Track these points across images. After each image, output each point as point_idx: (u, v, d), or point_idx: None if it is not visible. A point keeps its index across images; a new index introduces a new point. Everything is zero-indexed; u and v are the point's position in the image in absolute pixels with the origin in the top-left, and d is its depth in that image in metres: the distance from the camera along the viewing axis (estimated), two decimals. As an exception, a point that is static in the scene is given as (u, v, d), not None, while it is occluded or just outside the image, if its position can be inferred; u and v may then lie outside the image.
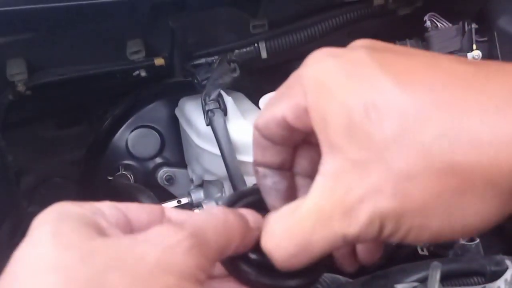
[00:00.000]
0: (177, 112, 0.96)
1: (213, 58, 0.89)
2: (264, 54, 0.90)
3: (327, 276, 0.76)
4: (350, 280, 0.75)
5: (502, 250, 0.78)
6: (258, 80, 0.99)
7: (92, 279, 0.27)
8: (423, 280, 0.66)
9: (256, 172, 0.38)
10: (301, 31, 0.89)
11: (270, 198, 0.38)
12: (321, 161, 0.31)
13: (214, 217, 0.32)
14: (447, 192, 0.28)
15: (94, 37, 0.82)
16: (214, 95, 0.83)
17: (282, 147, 0.36)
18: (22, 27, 0.76)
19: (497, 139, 0.27)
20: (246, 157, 0.80)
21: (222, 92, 0.84)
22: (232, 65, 0.89)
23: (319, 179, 0.31)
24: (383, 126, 0.29)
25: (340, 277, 0.76)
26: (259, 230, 0.34)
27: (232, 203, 0.37)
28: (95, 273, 0.27)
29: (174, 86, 0.99)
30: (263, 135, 0.36)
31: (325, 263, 0.37)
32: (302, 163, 0.38)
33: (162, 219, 0.35)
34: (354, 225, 0.30)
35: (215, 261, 0.31)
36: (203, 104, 0.83)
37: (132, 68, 0.87)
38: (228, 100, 0.84)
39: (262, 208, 0.37)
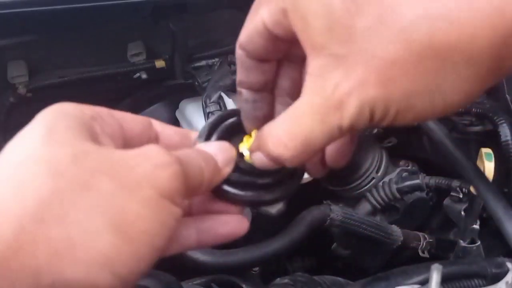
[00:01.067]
0: (177, 114, 0.96)
1: (213, 60, 0.90)
2: (264, 56, 0.90)
3: (327, 278, 0.76)
4: (351, 282, 0.75)
5: (503, 253, 0.78)
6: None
7: (80, 177, 0.28)
8: (424, 282, 0.66)
9: (240, 94, 0.40)
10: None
11: (248, 123, 0.40)
12: (307, 62, 0.32)
13: (194, 158, 0.35)
14: (429, 73, 0.29)
15: (95, 39, 0.82)
16: (215, 97, 0.83)
17: (266, 66, 0.38)
18: (23, 30, 0.76)
19: (475, 17, 0.28)
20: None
21: (223, 94, 0.84)
22: (233, 67, 0.89)
23: (308, 79, 0.32)
24: (362, 16, 0.29)
25: (341, 279, 0.76)
26: (229, 167, 0.37)
27: (212, 129, 0.40)
28: (84, 173, 0.29)
29: (174, 88, 0.99)
30: (247, 54, 0.37)
31: (298, 175, 0.41)
32: (284, 83, 0.40)
33: (150, 131, 0.38)
34: (346, 116, 0.31)
35: (190, 195, 0.34)
36: (204, 106, 0.83)
37: (133, 70, 0.87)
38: (229, 102, 0.84)
39: (240, 130, 0.40)
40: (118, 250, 0.28)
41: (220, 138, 0.39)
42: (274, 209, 0.41)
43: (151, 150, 0.31)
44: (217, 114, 0.41)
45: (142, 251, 0.29)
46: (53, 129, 0.30)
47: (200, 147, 0.38)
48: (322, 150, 0.41)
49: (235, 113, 0.41)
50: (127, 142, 0.36)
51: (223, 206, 0.39)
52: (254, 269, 0.83)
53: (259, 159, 0.36)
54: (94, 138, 0.32)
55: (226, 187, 0.38)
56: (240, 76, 0.39)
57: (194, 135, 0.41)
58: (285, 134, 0.34)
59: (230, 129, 0.40)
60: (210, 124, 0.40)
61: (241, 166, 0.38)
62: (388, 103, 0.30)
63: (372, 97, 0.30)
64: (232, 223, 0.38)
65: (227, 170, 0.37)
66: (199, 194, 0.36)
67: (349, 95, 0.30)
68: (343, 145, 0.42)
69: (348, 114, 0.31)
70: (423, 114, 0.31)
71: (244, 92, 0.39)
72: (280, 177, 0.39)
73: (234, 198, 0.38)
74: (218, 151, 0.37)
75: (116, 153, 0.31)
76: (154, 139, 0.38)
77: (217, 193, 0.38)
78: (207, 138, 0.39)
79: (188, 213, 0.39)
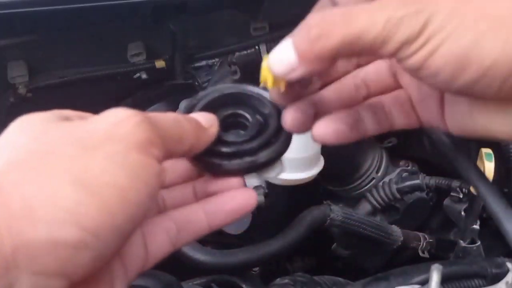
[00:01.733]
0: (178, 114, 0.95)
1: (214, 60, 0.90)
2: (264, 57, 0.90)
3: (327, 278, 0.76)
4: (351, 282, 0.75)
5: (503, 253, 0.78)
6: (259, 82, 0.99)
7: (40, 148, 0.29)
8: (424, 282, 0.66)
9: None
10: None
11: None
12: None
13: (165, 115, 0.34)
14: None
15: (95, 39, 0.82)
16: (215, 97, 0.83)
17: None
18: (23, 30, 0.76)
19: None
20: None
21: (223, 95, 0.84)
22: (233, 67, 0.89)
23: None
24: None
25: (341, 279, 0.77)
26: (214, 127, 0.37)
27: (190, 107, 0.40)
28: (46, 146, 0.29)
29: (174, 88, 0.99)
30: None
31: (285, 133, 0.39)
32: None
33: None
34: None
35: (169, 149, 0.33)
36: (204, 106, 0.83)
37: (133, 70, 0.87)
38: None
39: (219, 106, 0.40)
40: (82, 204, 0.27)
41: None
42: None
43: (110, 112, 0.31)
44: (193, 97, 0.42)
45: (110, 203, 0.28)
46: (24, 122, 0.32)
47: None
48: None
49: (215, 90, 0.41)
50: None
51: (224, 184, 0.38)
52: (254, 269, 0.83)
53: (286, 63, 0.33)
54: (66, 118, 0.32)
55: (218, 161, 0.38)
56: None
57: None
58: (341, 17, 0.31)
59: (210, 105, 0.40)
60: (186, 107, 0.40)
61: (225, 138, 0.38)
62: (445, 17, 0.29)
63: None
64: (238, 196, 0.38)
65: (213, 130, 0.37)
66: (189, 152, 0.35)
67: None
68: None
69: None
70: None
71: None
72: (266, 138, 0.39)
73: (230, 169, 0.38)
74: (199, 116, 0.37)
75: (77, 123, 0.31)
76: None
77: (211, 168, 0.38)
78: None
79: (193, 199, 0.39)
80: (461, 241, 0.85)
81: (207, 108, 0.39)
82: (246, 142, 0.39)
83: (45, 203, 0.27)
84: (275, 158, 0.39)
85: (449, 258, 0.90)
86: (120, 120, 0.31)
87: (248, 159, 0.38)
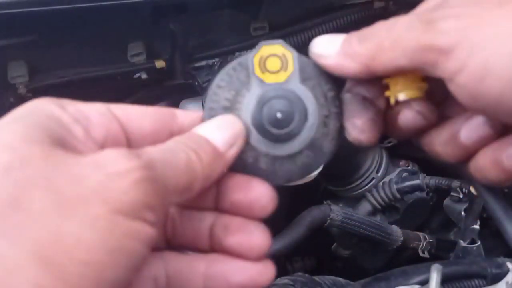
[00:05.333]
0: (178, 114, 0.95)
1: (214, 60, 0.89)
2: (265, 57, 0.90)
3: (327, 278, 0.76)
4: (351, 282, 0.75)
5: (503, 253, 0.78)
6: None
7: (10, 191, 0.23)
8: (424, 283, 0.66)
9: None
10: (302, 33, 0.89)
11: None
12: None
13: (176, 156, 0.28)
14: None
15: (95, 39, 0.82)
16: (215, 97, 0.83)
17: None
18: (23, 30, 0.76)
19: None
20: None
21: (223, 95, 0.84)
22: (233, 67, 0.89)
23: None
24: None
25: (341, 279, 0.76)
26: (235, 148, 0.31)
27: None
28: (15, 186, 0.23)
29: (175, 88, 0.99)
30: None
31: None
32: None
33: (171, 126, 0.31)
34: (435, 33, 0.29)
35: (170, 202, 0.28)
36: (204, 106, 0.83)
37: (133, 70, 0.87)
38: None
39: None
40: None
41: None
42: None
43: (107, 155, 0.25)
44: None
45: (80, 286, 0.22)
46: (5, 128, 0.26)
47: (194, 130, 0.31)
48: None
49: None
50: (136, 144, 0.30)
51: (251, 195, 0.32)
52: (254, 269, 0.83)
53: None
54: (63, 143, 0.26)
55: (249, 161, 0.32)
56: None
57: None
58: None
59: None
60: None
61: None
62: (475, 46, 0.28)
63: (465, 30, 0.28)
64: (251, 268, 0.31)
65: (231, 152, 0.30)
66: (196, 191, 0.29)
67: (446, 18, 0.29)
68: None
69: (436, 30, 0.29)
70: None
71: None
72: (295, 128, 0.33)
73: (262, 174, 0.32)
74: (217, 131, 0.30)
75: (65, 161, 0.24)
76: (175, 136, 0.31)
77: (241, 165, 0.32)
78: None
79: (206, 232, 0.32)
80: (461, 241, 0.85)
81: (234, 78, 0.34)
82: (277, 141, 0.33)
83: (3, 280, 0.21)
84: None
85: (449, 258, 0.90)
86: (115, 173, 0.24)
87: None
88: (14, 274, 0.21)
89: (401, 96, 0.33)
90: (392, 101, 0.33)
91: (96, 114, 0.29)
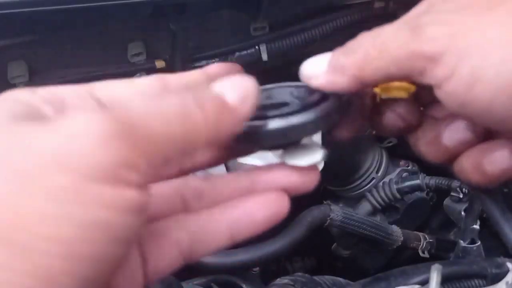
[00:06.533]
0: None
1: (214, 60, 0.89)
2: (265, 57, 0.90)
3: (327, 278, 0.76)
4: (351, 282, 0.75)
5: (503, 253, 0.78)
6: (259, 82, 0.99)
7: None
8: (424, 283, 0.66)
9: None
10: (302, 33, 0.89)
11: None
12: None
13: (164, 105, 0.23)
14: None
15: (95, 39, 0.82)
16: (215, 97, 0.83)
17: None
18: (23, 30, 0.76)
19: None
20: (246, 159, 0.80)
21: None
22: (233, 67, 0.89)
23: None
24: None
25: (341, 279, 0.76)
26: (248, 102, 0.26)
27: None
28: None
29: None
30: None
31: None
32: None
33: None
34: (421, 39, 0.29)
35: (166, 157, 0.23)
36: (204, 106, 0.83)
37: (133, 70, 0.87)
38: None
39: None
40: (7, 270, 0.19)
41: None
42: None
43: (67, 116, 0.21)
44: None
45: (50, 266, 0.20)
46: None
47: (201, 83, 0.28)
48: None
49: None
50: None
51: (260, 182, 0.30)
52: (254, 269, 0.83)
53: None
54: (36, 116, 0.24)
55: (257, 122, 0.29)
56: None
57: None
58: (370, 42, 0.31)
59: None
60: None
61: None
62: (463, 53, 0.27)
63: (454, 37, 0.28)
64: (272, 200, 0.29)
65: (245, 107, 0.26)
66: (201, 147, 0.25)
67: (431, 24, 0.29)
68: None
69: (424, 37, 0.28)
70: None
71: None
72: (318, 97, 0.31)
73: (271, 132, 0.29)
74: (228, 86, 0.26)
75: (22, 134, 0.21)
76: None
77: (247, 136, 0.29)
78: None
79: (212, 202, 0.30)
80: (461, 241, 0.85)
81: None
82: (289, 103, 0.31)
83: None
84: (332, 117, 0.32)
85: (449, 258, 0.90)
86: (80, 133, 0.21)
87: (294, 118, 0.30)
88: None
89: (384, 95, 0.34)
90: (378, 98, 0.34)
91: (73, 96, 0.27)
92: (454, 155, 0.33)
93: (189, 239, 0.29)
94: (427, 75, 0.29)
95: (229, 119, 0.26)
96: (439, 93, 0.29)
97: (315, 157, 0.33)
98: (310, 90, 0.33)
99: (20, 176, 0.20)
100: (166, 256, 0.28)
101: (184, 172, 0.31)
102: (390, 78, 0.31)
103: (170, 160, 0.23)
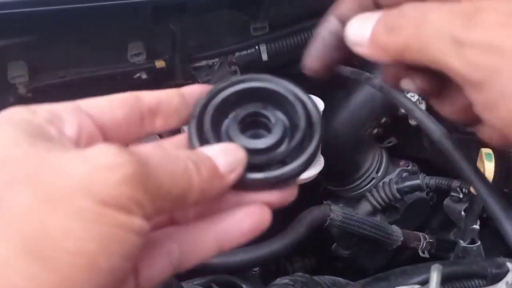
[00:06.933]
0: (178, 114, 0.95)
1: (214, 60, 0.89)
2: (264, 57, 0.90)
3: (327, 278, 0.76)
4: (351, 282, 0.75)
5: (503, 253, 0.78)
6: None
7: None
8: (424, 283, 0.66)
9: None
10: (302, 33, 0.89)
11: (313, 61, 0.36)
12: None
13: (173, 162, 0.27)
14: None
15: (95, 39, 0.82)
16: (215, 97, 0.83)
17: None
18: (23, 30, 0.76)
19: None
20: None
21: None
22: (233, 67, 0.89)
23: None
24: None
25: (341, 279, 0.76)
26: (236, 172, 0.30)
27: (203, 106, 0.33)
28: None
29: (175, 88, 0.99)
30: None
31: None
32: None
33: (140, 108, 0.31)
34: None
35: (163, 207, 0.27)
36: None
37: (133, 70, 0.87)
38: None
39: (235, 103, 0.33)
40: (36, 280, 0.22)
41: (218, 112, 0.33)
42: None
43: (97, 150, 0.25)
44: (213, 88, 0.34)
45: (73, 275, 0.22)
46: None
47: (200, 149, 0.31)
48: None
49: (231, 83, 0.34)
50: (112, 134, 0.30)
51: (245, 198, 0.32)
52: (254, 269, 0.83)
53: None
54: (41, 142, 0.26)
55: (251, 176, 0.31)
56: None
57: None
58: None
59: (231, 100, 0.33)
60: (203, 100, 0.33)
61: (247, 144, 0.31)
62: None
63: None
64: (255, 213, 0.31)
65: (232, 176, 0.30)
66: (190, 204, 0.29)
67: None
68: None
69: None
70: None
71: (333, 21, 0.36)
72: (297, 141, 0.32)
73: (257, 182, 0.31)
74: (221, 155, 0.30)
75: (49, 157, 0.24)
76: (147, 120, 0.31)
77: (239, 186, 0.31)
78: (200, 117, 0.32)
79: (200, 215, 0.32)
80: (461, 241, 0.85)
81: (222, 107, 0.33)
82: (274, 148, 0.32)
83: None
84: (309, 164, 0.33)
85: (449, 258, 0.90)
86: (104, 167, 0.24)
87: (278, 170, 0.32)
88: (5, 267, 0.22)
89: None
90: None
91: (67, 112, 0.29)
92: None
93: (179, 250, 0.31)
94: (465, 90, 0.28)
95: (218, 185, 0.29)
96: (475, 109, 0.29)
97: (316, 169, 0.34)
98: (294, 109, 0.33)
99: (50, 196, 0.23)
100: (158, 266, 0.30)
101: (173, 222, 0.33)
102: (429, 71, 0.31)
103: (164, 211, 0.28)
